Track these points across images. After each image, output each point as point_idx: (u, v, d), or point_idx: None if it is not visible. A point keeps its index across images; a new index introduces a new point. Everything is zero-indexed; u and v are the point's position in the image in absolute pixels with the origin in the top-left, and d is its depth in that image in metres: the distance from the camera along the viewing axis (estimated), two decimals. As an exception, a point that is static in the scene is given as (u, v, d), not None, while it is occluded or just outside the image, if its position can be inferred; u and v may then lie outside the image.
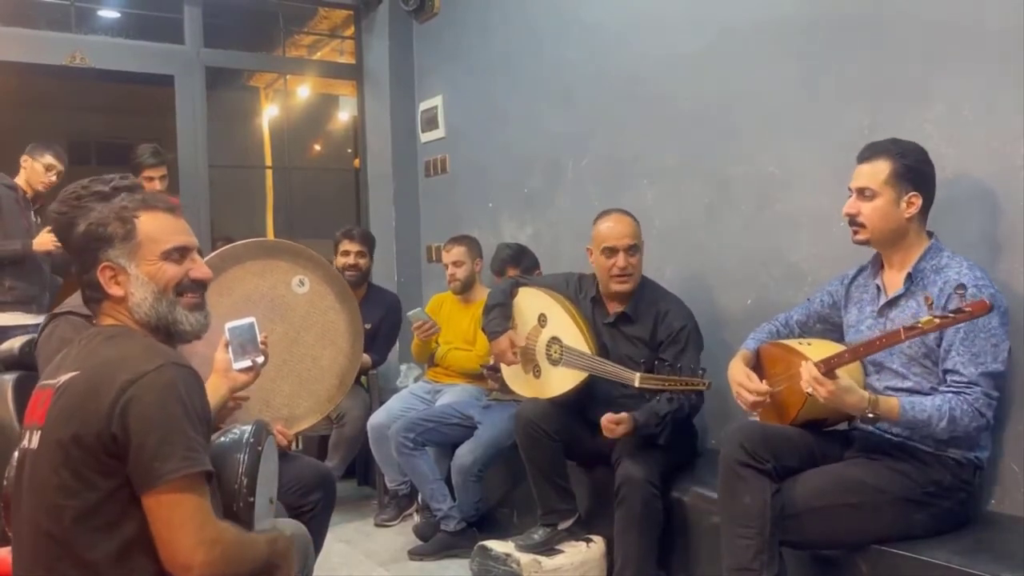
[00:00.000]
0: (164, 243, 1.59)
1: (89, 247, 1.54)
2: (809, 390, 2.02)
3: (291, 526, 1.82)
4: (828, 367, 2.00)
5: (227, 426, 1.72)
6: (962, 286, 1.99)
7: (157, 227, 1.58)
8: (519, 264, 3.70)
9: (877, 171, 2.16)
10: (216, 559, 1.39)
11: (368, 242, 4.14)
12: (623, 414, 2.63)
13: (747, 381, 2.32)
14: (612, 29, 3.60)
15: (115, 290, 1.55)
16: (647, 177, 3.45)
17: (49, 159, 3.94)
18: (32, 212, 3.99)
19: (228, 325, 2.02)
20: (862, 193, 2.18)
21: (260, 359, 2.02)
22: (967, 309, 1.82)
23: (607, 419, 2.64)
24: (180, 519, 1.38)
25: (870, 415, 1.99)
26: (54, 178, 3.94)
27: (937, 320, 1.84)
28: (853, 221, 2.22)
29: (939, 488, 2.08)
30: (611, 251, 2.83)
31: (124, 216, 1.56)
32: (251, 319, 2.04)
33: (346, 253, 4.06)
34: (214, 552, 1.39)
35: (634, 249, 2.83)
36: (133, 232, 1.56)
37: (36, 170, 3.93)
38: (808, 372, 2.02)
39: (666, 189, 3.38)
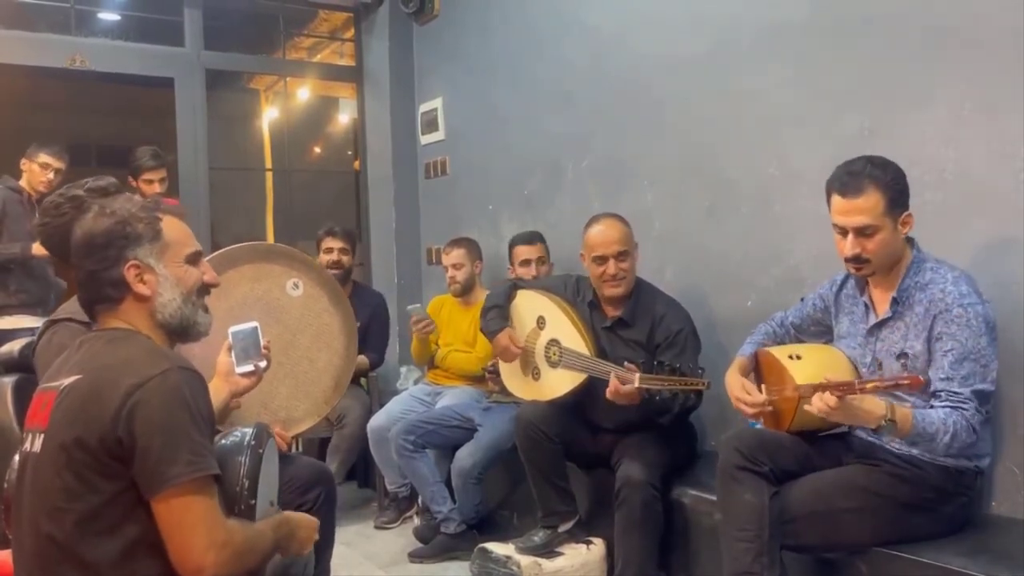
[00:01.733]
0: (187, 247, 1.63)
1: (113, 244, 1.53)
2: (822, 415, 1.94)
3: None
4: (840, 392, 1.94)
5: (227, 429, 1.72)
6: (904, 355, 2.05)
7: (178, 231, 1.62)
8: (546, 243, 3.69)
9: (872, 205, 2.04)
10: (227, 559, 1.41)
11: (350, 239, 4.14)
12: (634, 385, 2.50)
13: (744, 394, 2.28)
14: (612, 30, 3.60)
15: (142, 289, 1.55)
16: (647, 178, 3.45)
17: (44, 158, 3.94)
18: (37, 215, 3.99)
19: (232, 329, 2.02)
20: (862, 232, 2.06)
21: (262, 364, 2.02)
22: (904, 383, 1.88)
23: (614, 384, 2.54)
24: (190, 522, 1.39)
25: (888, 420, 1.90)
26: (51, 175, 3.95)
27: (882, 387, 1.89)
28: (858, 260, 2.10)
29: (940, 494, 2.07)
30: (601, 259, 2.83)
31: (150, 217, 1.58)
32: (254, 324, 2.04)
33: (329, 250, 4.07)
34: (225, 553, 1.40)
35: (624, 255, 2.82)
36: (160, 233, 1.58)
37: (33, 171, 3.94)
38: (822, 404, 1.92)
39: (666, 191, 3.38)
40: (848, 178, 2.08)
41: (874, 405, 1.92)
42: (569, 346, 2.85)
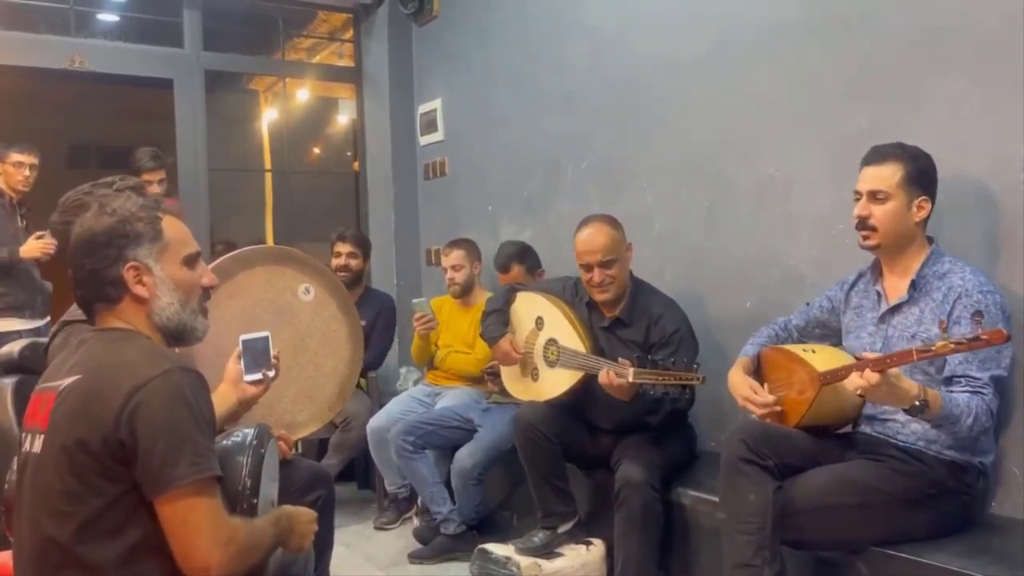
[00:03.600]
0: (186, 247, 1.61)
1: (113, 243, 1.52)
2: (860, 393, 1.92)
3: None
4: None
5: (229, 429, 1.72)
6: (979, 313, 1.93)
7: (177, 231, 1.60)
8: (523, 261, 3.71)
9: (889, 174, 2.14)
10: (232, 557, 1.41)
11: (361, 244, 4.16)
12: (627, 379, 2.49)
13: (752, 395, 2.31)
14: (611, 31, 3.60)
15: (140, 291, 1.54)
16: (647, 179, 3.45)
17: (16, 156, 3.94)
18: (19, 217, 4.00)
19: (242, 337, 2.02)
20: (874, 196, 2.16)
21: (271, 373, 2.03)
22: (984, 337, 1.78)
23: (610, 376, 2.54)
24: (195, 523, 1.39)
25: (921, 401, 1.89)
26: (27, 172, 3.96)
27: (952, 345, 1.80)
28: (864, 224, 2.18)
29: (941, 490, 2.08)
30: (586, 266, 2.83)
31: (150, 216, 1.55)
32: (266, 333, 2.05)
33: (338, 255, 4.11)
34: (229, 551, 1.41)
35: (609, 263, 2.80)
36: (161, 233, 1.56)
37: (8, 171, 3.94)
38: (862, 381, 1.87)
39: (665, 191, 3.38)
40: (875, 151, 2.20)
41: (910, 385, 1.91)
42: (567, 345, 2.85)
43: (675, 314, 2.85)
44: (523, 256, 3.73)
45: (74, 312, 2.08)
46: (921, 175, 2.15)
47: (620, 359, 2.55)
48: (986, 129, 2.34)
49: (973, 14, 2.36)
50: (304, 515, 1.69)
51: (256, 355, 2.01)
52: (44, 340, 2.36)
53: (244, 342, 2.02)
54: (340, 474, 3.92)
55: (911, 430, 2.13)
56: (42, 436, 1.45)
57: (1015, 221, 2.27)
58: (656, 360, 2.48)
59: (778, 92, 2.92)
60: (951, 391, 2.02)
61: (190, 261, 1.61)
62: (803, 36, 2.83)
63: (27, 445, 1.49)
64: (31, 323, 3.91)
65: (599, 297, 2.87)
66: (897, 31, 2.55)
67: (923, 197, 2.15)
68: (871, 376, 1.86)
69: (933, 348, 1.82)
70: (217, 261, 2.66)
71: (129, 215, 1.53)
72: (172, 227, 1.59)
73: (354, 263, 4.10)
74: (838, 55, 2.72)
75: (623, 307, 2.89)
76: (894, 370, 1.87)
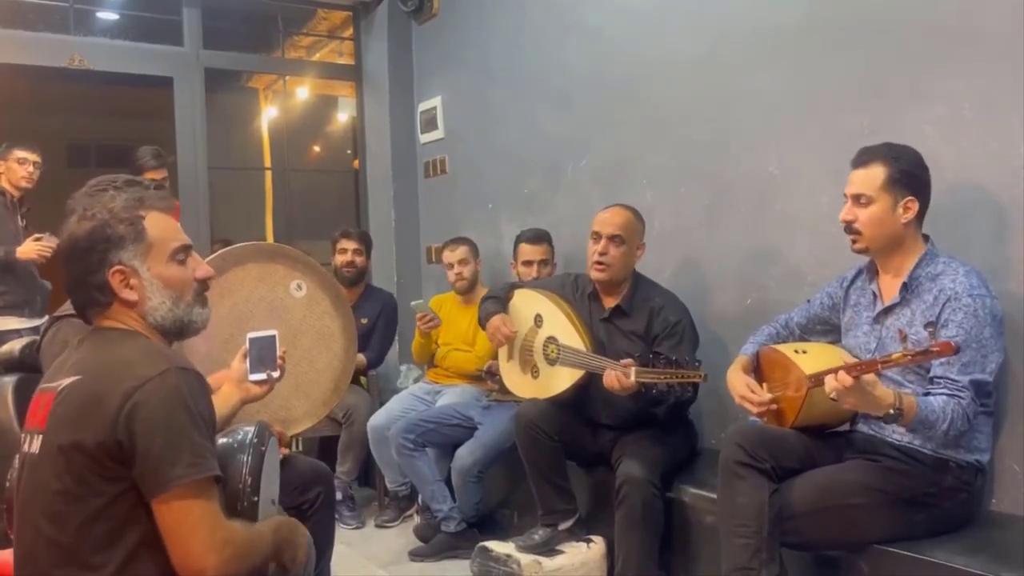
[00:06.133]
0: (173, 242, 1.56)
1: (95, 249, 1.49)
2: (834, 396, 1.95)
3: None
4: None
5: (229, 427, 1.72)
6: (931, 324, 2.00)
7: (162, 227, 1.55)
8: (551, 244, 3.64)
9: (872, 177, 2.14)
10: (228, 560, 1.40)
11: (365, 241, 4.21)
12: (631, 380, 2.50)
13: (749, 393, 2.32)
14: (611, 32, 3.60)
15: (128, 294, 1.51)
16: (646, 178, 3.45)
17: (19, 153, 3.95)
18: (19, 216, 4.00)
19: (250, 335, 2.00)
20: (857, 200, 2.16)
21: (276, 374, 2.01)
22: (933, 349, 1.83)
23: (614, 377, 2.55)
24: (191, 524, 1.38)
25: (895, 409, 1.91)
26: (31, 168, 3.97)
27: (909, 356, 1.85)
28: (849, 228, 2.20)
29: (939, 489, 2.08)
30: (596, 236, 2.86)
31: (131, 216, 1.51)
32: (273, 332, 2.02)
33: (343, 251, 4.13)
34: (225, 554, 1.40)
35: (618, 240, 2.83)
36: (143, 233, 1.52)
37: (12, 168, 3.94)
38: (836, 384, 1.91)
39: (665, 191, 3.38)
40: (862, 153, 2.20)
41: (884, 393, 1.92)
42: (566, 343, 2.85)
43: (677, 306, 2.87)
44: (551, 242, 3.68)
45: (66, 307, 2.08)
46: (905, 175, 2.13)
47: (623, 360, 2.55)
48: (986, 129, 2.35)
49: (972, 15, 2.37)
50: (302, 528, 1.68)
51: (262, 354, 1.99)
52: (42, 339, 2.36)
53: (251, 340, 1.99)
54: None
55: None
56: (40, 436, 1.44)
57: (1015, 220, 2.27)
58: (659, 356, 2.49)
59: (778, 92, 2.92)
60: (931, 391, 2.02)
61: (179, 256, 1.57)
62: (803, 36, 2.83)
63: (26, 446, 1.48)
64: (30, 322, 3.92)
65: (595, 275, 2.87)
66: (897, 31, 2.56)
67: (909, 198, 2.13)
68: (844, 379, 1.88)
69: (891, 358, 1.86)
70: (207, 259, 2.65)
71: (109, 218, 1.49)
72: (157, 224, 1.54)
73: (359, 260, 4.15)
74: (838, 55, 2.72)
75: (624, 296, 2.90)
76: (868, 376, 1.88)
